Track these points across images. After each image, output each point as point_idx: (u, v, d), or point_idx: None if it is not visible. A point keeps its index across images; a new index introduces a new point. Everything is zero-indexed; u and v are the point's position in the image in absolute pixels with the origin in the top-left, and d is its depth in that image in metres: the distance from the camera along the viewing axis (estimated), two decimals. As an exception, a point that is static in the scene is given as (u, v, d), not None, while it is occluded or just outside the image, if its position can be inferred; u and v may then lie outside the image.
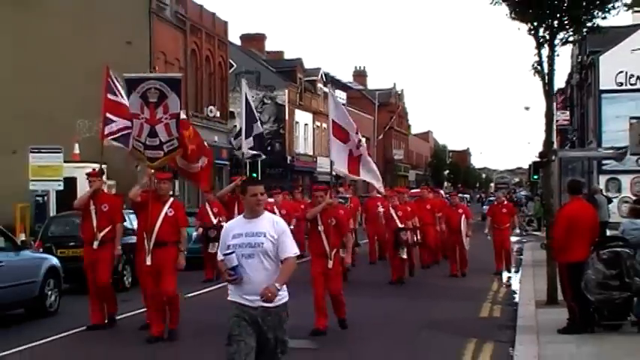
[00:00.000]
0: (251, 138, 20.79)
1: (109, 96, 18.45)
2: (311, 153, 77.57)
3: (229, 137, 61.37)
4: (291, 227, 25.05)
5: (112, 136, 18.71)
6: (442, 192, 45.94)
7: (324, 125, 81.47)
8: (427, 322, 18.41)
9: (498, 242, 28.72)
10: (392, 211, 25.68)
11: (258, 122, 20.76)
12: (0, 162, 40.35)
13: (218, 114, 58.89)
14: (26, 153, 33.80)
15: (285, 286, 9.18)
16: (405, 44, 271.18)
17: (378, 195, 30.54)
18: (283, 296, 9.21)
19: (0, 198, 38.23)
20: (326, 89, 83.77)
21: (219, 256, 9.65)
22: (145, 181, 16.55)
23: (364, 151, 19.80)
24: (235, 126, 64.80)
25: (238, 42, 74.33)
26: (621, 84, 42.80)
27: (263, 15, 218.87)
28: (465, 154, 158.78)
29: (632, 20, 41.07)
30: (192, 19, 55.42)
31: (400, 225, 25.09)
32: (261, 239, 9.17)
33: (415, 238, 26.32)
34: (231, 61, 64.37)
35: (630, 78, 40.36)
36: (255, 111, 20.98)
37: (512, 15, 19.78)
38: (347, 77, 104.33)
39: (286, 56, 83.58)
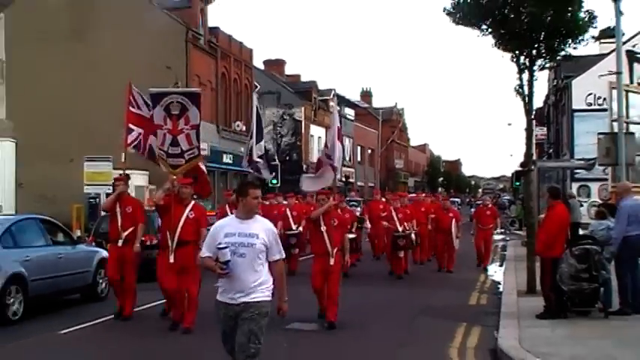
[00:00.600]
0: (262, 144, 20.17)
1: (131, 109, 17.95)
2: (324, 162, 77.49)
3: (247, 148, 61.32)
4: (301, 227, 25.60)
5: (133, 144, 18.10)
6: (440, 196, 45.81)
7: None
8: (423, 308, 18.49)
9: (481, 240, 28.65)
10: (393, 213, 25.05)
11: (262, 142, 20.11)
12: (60, 169, 40.47)
13: (244, 128, 58.89)
14: (82, 161, 34.24)
15: (270, 285, 8.78)
16: (405, 68, 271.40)
17: (382, 199, 30.51)
18: (264, 294, 8.72)
19: (59, 200, 38.53)
20: (337, 107, 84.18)
21: (203, 253, 9.18)
22: (167, 186, 15.98)
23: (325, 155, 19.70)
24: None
25: (262, 66, 74.33)
26: (590, 104, 43.21)
27: (283, 42, 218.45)
28: (456, 164, 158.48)
29: (599, 50, 41.29)
30: (223, 47, 55.55)
31: (399, 228, 24.55)
32: (254, 240, 8.72)
33: (412, 242, 25.54)
34: (255, 82, 64.38)
35: (598, 99, 40.53)
36: (262, 126, 20.30)
37: (498, 45, 19.88)
38: (355, 97, 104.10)
39: (303, 79, 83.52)
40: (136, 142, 17.94)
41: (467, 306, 19.24)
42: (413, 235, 25.36)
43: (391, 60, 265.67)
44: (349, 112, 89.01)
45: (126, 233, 16.77)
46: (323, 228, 15.56)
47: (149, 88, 16.92)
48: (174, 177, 16.06)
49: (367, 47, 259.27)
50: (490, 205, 31.27)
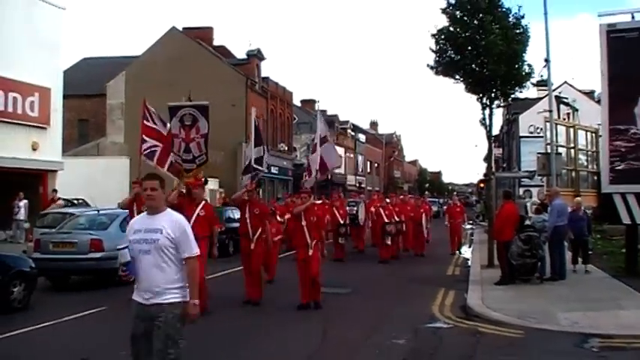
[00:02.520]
0: (261, 148, 16.86)
1: (145, 122, 15.47)
2: (343, 172, 77.48)
3: (292, 162, 61.67)
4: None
5: (145, 152, 15.41)
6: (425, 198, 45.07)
7: (351, 155, 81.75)
8: (412, 278, 18.46)
9: (453, 231, 26.87)
10: (380, 210, 23.07)
11: (262, 147, 17.05)
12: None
13: (286, 148, 59.11)
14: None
15: (183, 285, 6.18)
16: (402, 104, 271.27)
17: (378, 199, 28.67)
18: (178, 295, 6.12)
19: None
20: (352, 133, 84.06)
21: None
22: (180, 187, 13.65)
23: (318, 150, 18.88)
24: (296, 156, 65.15)
25: (299, 103, 74.34)
26: (532, 132, 43.37)
27: (315, 86, 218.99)
28: (438, 174, 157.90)
29: (537, 94, 41.32)
30: (271, 90, 55.68)
31: (386, 220, 22.46)
32: (157, 235, 6.10)
33: (398, 228, 23.26)
34: (294, 115, 64.56)
35: (537, 129, 40.56)
36: (260, 135, 17.60)
37: (467, 89, 19.93)
38: (365, 125, 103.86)
39: (329, 112, 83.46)
40: (148, 152, 15.26)
41: (445, 276, 19.14)
42: (400, 225, 23.41)
43: (392, 98, 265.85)
44: (361, 137, 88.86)
45: None
46: (304, 223, 13.25)
47: (168, 103, 15.06)
48: (179, 181, 14.07)
49: (374, 89, 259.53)
50: (459, 204, 29.79)
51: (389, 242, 22.47)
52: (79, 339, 10.08)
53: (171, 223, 6.24)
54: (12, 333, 10.64)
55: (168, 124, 15.03)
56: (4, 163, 22.95)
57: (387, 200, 25.94)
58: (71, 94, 36.41)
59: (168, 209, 6.48)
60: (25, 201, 25.02)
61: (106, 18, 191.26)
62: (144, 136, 15.35)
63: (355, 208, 25.94)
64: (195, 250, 6.26)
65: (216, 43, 54.82)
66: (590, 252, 18.49)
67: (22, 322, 11.22)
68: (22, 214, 24.97)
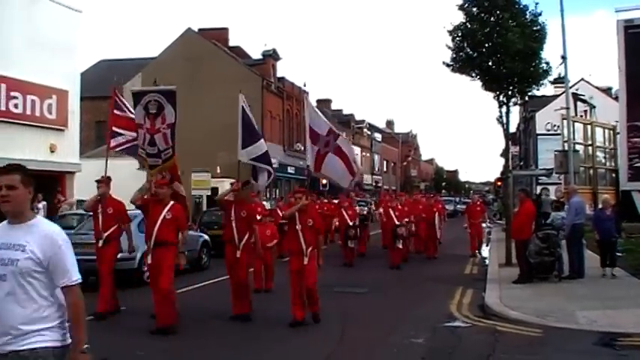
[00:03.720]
0: (254, 147, 13.75)
1: (116, 112, 13.81)
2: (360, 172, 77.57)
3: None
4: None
5: (119, 148, 13.90)
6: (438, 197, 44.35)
7: (368, 154, 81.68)
8: (429, 277, 18.44)
9: (473, 231, 24.78)
10: (390, 211, 21.50)
11: (262, 141, 14.22)
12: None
13: (302, 148, 59.05)
14: (190, 173, 34.54)
15: (58, 324, 4.18)
16: (418, 102, 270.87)
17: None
18: (48, 338, 4.11)
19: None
20: (368, 132, 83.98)
21: None
22: (144, 186, 12.10)
23: (334, 149, 13.74)
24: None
25: (315, 103, 74.33)
26: (549, 130, 43.06)
27: (330, 85, 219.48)
28: (455, 173, 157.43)
29: (554, 92, 41.15)
30: (287, 90, 55.77)
31: (397, 222, 20.86)
32: (17, 254, 4.14)
33: (410, 231, 22.13)
34: (310, 115, 64.65)
35: (554, 127, 40.30)
36: (255, 127, 14.42)
37: (484, 87, 19.94)
38: (382, 124, 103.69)
39: (344, 112, 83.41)
40: (127, 146, 13.78)
41: (463, 275, 19.09)
42: (411, 228, 22.17)
43: (408, 96, 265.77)
44: (377, 136, 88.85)
45: (106, 233, 12.82)
46: (298, 227, 11.60)
47: (131, 88, 12.58)
48: (152, 177, 12.26)
49: (390, 88, 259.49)
50: (479, 203, 27.67)
51: (400, 246, 20.83)
52: (97, 339, 10.09)
53: (40, 237, 4.27)
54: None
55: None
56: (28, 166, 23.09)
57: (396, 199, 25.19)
58: (88, 96, 36.58)
59: (39, 217, 4.58)
60: (44, 202, 25.13)
61: (123, 20, 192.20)
62: (114, 128, 13.81)
63: (365, 208, 25.34)
64: (76, 277, 4.31)
65: (231, 43, 54.99)
66: (619, 254, 18.13)
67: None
68: (41, 216, 25.08)
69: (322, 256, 12.00)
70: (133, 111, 13.06)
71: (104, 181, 13.15)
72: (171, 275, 11.07)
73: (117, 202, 13.16)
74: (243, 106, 13.75)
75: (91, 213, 13.29)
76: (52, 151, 26.71)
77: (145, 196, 11.80)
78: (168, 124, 12.17)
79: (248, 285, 12.57)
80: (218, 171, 38.13)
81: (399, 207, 22.21)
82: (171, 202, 11.40)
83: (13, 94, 24.65)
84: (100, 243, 12.84)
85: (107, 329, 10.82)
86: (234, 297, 12.28)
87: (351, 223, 22.00)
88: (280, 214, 18.68)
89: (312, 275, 11.62)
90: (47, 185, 26.85)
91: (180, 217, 11.36)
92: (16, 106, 24.80)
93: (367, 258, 23.01)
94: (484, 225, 24.46)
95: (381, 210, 23.92)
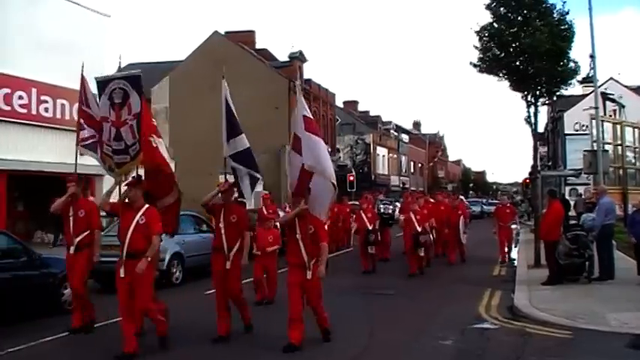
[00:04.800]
0: (234, 142, 11.59)
1: (83, 107, 12.13)
2: (386, 173, 77.43)
3: (336, 164, 61.74)
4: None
5: (83, 143, 11.97)
6: (462, 198, 43.13)
7: (395, 156, 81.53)
8: (457, 279, 18.33)
9: (502, 236, 22.38)
10: (411, 215, 19.58)
11: (243, 136, 11.80)
12: (203, 180, 40.77)
13: (329, 149, 59.18)
14: (216, 174, 34.67)
15: None
16: (445, 103, 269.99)
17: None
18: None
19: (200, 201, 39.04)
20: (395, 133, 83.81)
21: None
22: (112, 188, 10.57)
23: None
24: (339, 157, 65.15)
25: (341, 105, 74.38)
26: (577, 130, 42.72)
27: (357, 86, 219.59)
28: (482, 174, 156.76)
29: (582, 91, 40.78)
30: (314, 92, 55.88)
31: (419, 228, 19.06)
32: None
33: (432, 241, 20.56)
34: (337, 117, 64.64)
35: (582, 127, 39.96)
36: (237, 119, 11.90)
37: (512, 87, 19.85)
38: (408, 126, 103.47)
39: (371, 113, 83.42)
40: (89, 142, 11.89)
41: (491, 276, 18.95)
42: (428, 239, 19.70)
43: (435, 97, 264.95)
44: (404, 137, 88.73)
45: (78, 239, 11.26)
46: (298, 236, 10.02)
47: (95, 76, 11.27)
48: (122, 177, 10.52)
49: (417, 89, 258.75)
50: (509, 205, 24.92)
51: (422, 254, 19.18)
52: (116, 345, 10.16)
53: None
54: (64, 334, 10.98)
55: (96, 108, 11.64)
56: (52, 168, 23.27)
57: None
58: (117, 100, 37.03)
59: None
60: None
61: (150, 24, 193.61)
62: (82, 122, 12.15)
63: (391, 207, 24.07)
64: None
65: (258, 46, 55.22)
66: None
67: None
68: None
69: (323, 263, 9.94)
70: (96, 103, 11.48)
71: (74, 180, 11.66)
72: (149, 292, 9.67)
73: (89, 204, 11.91)
74: (225, 95, 11.94)
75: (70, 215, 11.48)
76: (82, 154, 27.00)
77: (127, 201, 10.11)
78: (134, 114, 10.36)
79: (244, 298, 11.17)
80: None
81: (419, 210, 20.12)
82: (146, 206, 9.69)
83: (43, 97, 25.14)
84: (72, 250, 11.30)
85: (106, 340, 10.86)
86: (220, 314, 10.67)
87: (370, 227, 20.33)
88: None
89: (316, 292, 10.12)
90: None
91: (154, 222, 9.58)
92: (46, 109, 25.27)
93: (392, 260, 22.47)
94: (514, 227, 23.11)
95: (402, 217, 21.65)
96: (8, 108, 23.84)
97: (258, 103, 45.81)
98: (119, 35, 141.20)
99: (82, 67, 11.27)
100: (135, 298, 9.50)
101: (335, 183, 10.27)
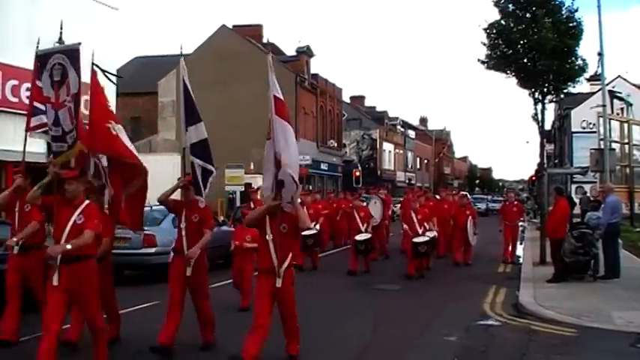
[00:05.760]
0: (193, 131, 9.78)
1: (38, 82, 9.56)
2: (392, 169, 77.34)
3: (342, 159, 61.79)
4: (317, 226, 19.43)
5: (40, 129, 9.79)
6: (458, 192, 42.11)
7: (401, 151, 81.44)
8: (463, 276, 18.33)
9: (508, 235, 21.37)
10: (412, 215, 17.88)
11: (202, 124, 10.07)
12: (210, 173, 41.34)
13: (335, 144, 59.20)
14: (224, 168, 34.75)
15: None
16: (452, 101, 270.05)
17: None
18: None
19: (210, 195, 38.93)
20: (402, 129, 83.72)
21: None
22: (45, 181, 8.34)
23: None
24: (346, 152, 65.17)
25: (348, 100, 74.31)
26: (584, 128, 42.76)
27: (363, 82, 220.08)
28: (488, 170, 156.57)
29: (589, 89, 40.79)
30: (321, 87, 55.78)
31: (419, 230, 17.45)
32: None
33: (433, 248, 18.40)
34: (343, 112, 64.59)
35: (589, 124, 39.96)
36: (196, 105, 10.24)
37: (519, 84, 19.84)
38: (415, 121, 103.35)
39: (377, 109, 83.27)
40: (44, 129, 9.62)
41: (496, 273, 18.94)
42: (433, 233, 18.17)
43: (442, 94, 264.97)
44: (411, 133, 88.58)
45: (23, 237, 9.59)
46: (269, 237, 8.42)
47: (37, 49, 9.49)
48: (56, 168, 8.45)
49: (424, 85, 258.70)
50: (516, 202, 23.22)
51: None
52: (133, 332, 10.21)
53: None
54: (67, 326, 10.52)
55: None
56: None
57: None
58: (124, 93, 36.96)
59: None
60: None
61: (157, 17, 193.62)
62: (35, 103, 9.91)
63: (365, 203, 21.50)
64: None
65: (265, 40, 55.14)
66: None
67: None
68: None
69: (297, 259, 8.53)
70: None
71: (20, 171, 10.13)
72: (97, 301, 8.07)
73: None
74: (184, 77, 10.30)
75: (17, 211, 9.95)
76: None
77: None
78: (72, 95, 8.86)
79: (211, 312, 9.60)
80: (251, 167, 38.27)
81: (420, 209, 18.47)
82: (86, 202, 8.00)
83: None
84: (15, 250, 9.64)
85: (144, 323, 10.86)
86: (168, 321, 9.08)
87: (363, 229, 18.83)
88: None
89: (289, 303, 8.60)
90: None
91: (90, 218, 7.83)
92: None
93: (394, 257, 21.68)
94: (521, 224, 21.95)
95: (405, 225, 19.53)
96: (16, 100, 23.88)
97: (264, 98, 45.69)
98: (127, 28, 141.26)
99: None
100: (82, 314, 8.35)
101: (297, 180, 8.58)
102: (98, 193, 9.16)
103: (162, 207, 10.36)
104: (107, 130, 9.42)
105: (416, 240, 17.25)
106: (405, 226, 19.56)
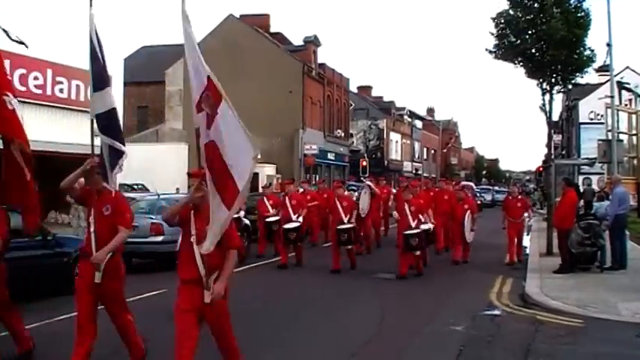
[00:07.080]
0: (98, 96, 7.58)
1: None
2: (399, 159, 77.28)
3: (349, 149, 61.78)
4: (300, 218, 17.81)
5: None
6: (469, 184, 41.15)
7: (408, 141, 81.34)
8: (470, 265, 18.37)
9: (512, 233, 18.91)
10: (405, 207, 16.21)
11: (110, 90, 7.84)
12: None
13: (342, 134, 59.15)
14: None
15: None
16: (459, 91, 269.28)
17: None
18: None
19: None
20: (409, 119, 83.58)
21: None
22: None
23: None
24: (352, 142, 65.14)
25: (355, 90, 74.17)
26: (592, 119, 42.75)
27: (371, 71, 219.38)
28: (495, 161, 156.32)
29: (598, 80, 40.63)
30: (328, 77, 55.77)
31: (412, 223, 15.87)
32: None
33: (425, 240, 16.54)
34: (350, 102, 64.53)
35: (597, 115, 39.92)
36: (107, 68, 7.80)
37: (527, 75, 19.85)
38: (422, 112, 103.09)
39: (385, 99, 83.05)
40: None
41: (502, 263, 18.84)
42: (428, 225, 16.83)
43: (449, 84, 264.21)
44: (418, 123, 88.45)
45: None
46: (193, 238, 6.11)
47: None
48: None
49: (431, 75, 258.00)
50: (520, 197, 20.36)
51: (417, 253, 16.14)
52: (140, 320, 10.23)
53: None
54: (74, 313, 10.56)
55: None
56: (67, 149, 23.38)
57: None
58: (131, 82, 37.14)
59: None
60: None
61: (163, 6, 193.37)
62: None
63: (355, 194, 20.72)
64: None
65: (272, 30, 55.10)
66: None
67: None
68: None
69: (224, 280, 6.10)
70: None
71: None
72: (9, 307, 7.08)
73: None
74: (95, 30, 7.78)
75: None
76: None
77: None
78: None
79: (132, 325, 7.74)
80: (259, 156, 38.28)
81: (414, 199, 16.83)
82: None
83: (58, 79, 25.35)
84: None
85: (151, 310, 10.92)
86: (77, 343, 6.95)
87: (345, 220, 17.06)
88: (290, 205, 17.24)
89: (223, 322, 6.35)
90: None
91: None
92: (61, 90, 25.46)
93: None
94: (526, 216, 20.50)
95: (397, 214, 17.71)
96: (24, 89, 23.95)
97: (271, 87, 45.81)
98: (135, 17, 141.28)
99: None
100: None
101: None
102: None
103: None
104: (3, 104, 7.52)
105: (406, 232, 15.89)
106: (395, 214, 18.19)
